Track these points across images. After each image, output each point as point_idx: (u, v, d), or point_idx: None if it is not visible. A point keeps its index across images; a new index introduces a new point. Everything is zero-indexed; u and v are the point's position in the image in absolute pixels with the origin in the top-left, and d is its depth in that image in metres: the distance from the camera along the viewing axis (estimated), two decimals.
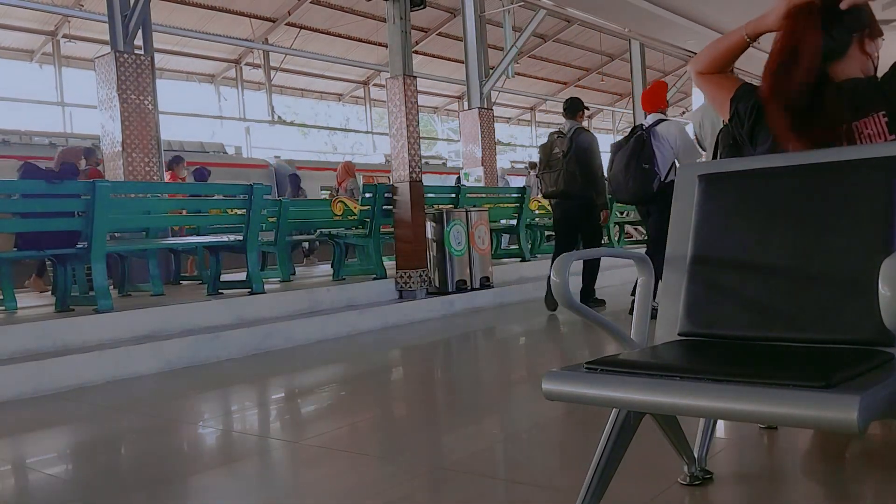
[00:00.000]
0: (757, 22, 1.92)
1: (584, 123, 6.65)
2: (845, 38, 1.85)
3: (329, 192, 12.78)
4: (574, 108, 6.55)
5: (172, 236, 7.58)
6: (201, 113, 19.98)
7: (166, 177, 9.43)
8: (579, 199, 6.30)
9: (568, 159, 6.20)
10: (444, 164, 21.32)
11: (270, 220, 7.29)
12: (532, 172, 15.08)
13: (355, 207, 7.62)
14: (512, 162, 24.26)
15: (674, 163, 5.37)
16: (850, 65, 1.86)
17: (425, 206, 7.19)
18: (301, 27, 18.14)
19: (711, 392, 1.34)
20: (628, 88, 16.68)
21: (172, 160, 9.87)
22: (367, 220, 7.24)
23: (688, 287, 1.86)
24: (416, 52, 18.75)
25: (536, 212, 9.99)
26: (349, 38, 18.93)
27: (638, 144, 5.31)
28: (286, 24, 17.91)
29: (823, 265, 1.69)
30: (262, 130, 21.90)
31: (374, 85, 22.95)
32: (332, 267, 7.48)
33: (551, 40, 21.48)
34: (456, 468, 2.50)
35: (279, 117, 21.62)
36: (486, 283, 7.50)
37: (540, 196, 10.93)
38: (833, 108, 1.81)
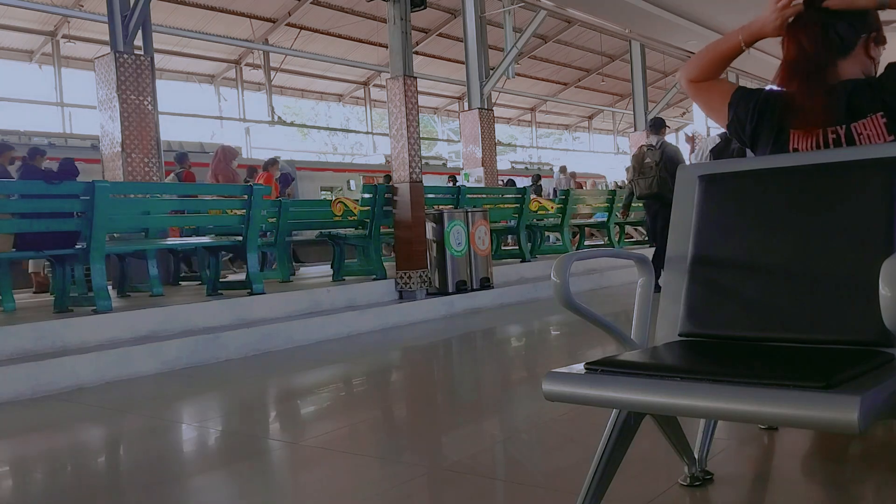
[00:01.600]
0: (752, 28, 1.91)
1: (666, 137, 8.02)
2: (851, 37, 1.84)
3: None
4: (658, 125, 7.87)
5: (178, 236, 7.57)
6: (201, 113, 19.99)
7: (261, 179, 9.46)
8: (670, 200, 7.47)
9: (660, 167, 7.36)
10: (444, 164, 21.34)
11: (270, 220, 7.29)
12: (562, 176, 15.60)
13: (355, 208, 7.61)
14: (512, 162, 24.30)
15: None
16: (852, 65, 1.86)
17: (425, 207, 7.19)
18: (301, 28, 18.15)
19: (712, 393, 1.34)
20: (628, 89, 16.68)
21: (269, 162, 10.07)
22: (367, 220, 7.23)
23: (688, 287, 1.85)
24: (417, 53, 18.76)
25: (536, 212, 9.98)
26: (349, 38, 18.93)
27: None
28: (286, 25, 17.91)
29: (824, 266, 1.69)
30: (262, 131, 21.93)
31: (375, 85, 22.96)
32: (331, 267, 7.48)
33: (552, 41, 21.49)
34: (456, 469, 2.50)
35: (279, 118, 21.62)
36: (486, 284, 7.50)
37: (541, 199, 10.97)
38: (826, 109, 1.81)
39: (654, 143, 7.66)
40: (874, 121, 1.78)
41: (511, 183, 14.08)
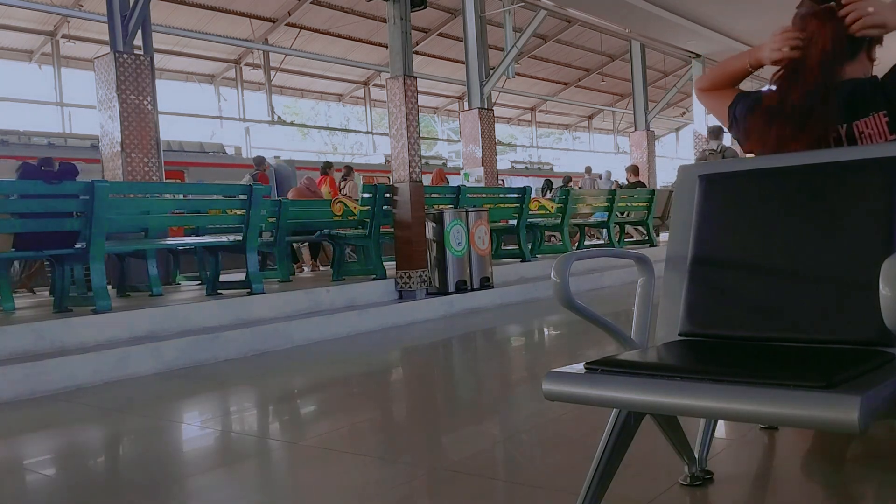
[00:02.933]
0: (756, 53, 2.01)
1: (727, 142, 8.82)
2: (859, 42, 1.88)
3: None
4: (717, 132, 8.65)
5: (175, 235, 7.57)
6: (201, 113, 19.98)
7: (325, 184, 10.17)
8: None
9: None
10: (445, 164, 21.33)
11: (270, 220, 7.28)
12: (587, 176, 15.83)
13: (355, 208, 7.61)
14: (512, 162, 24.30)
15: None
16: (856, 67, 1.89)
17: (425, 207, 7.18)
18: (301, 27, 18.14)
19: (712, 392, 1.34)
20: (628, 89, 16.67)
21: (325, 165, 11.23)
22: (367, 220, 7.23)
23: (688, 287, 1.85)
24: (417, 53, 18.75)
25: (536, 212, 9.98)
26: (349, 38, 18.93)
27: None
28: (286, 25, 17.91)
29: (824, 265, 1.69)
30: (262, 131, 21.93)
31: (375, 85, 22.96)
32: (331, 267, 7.47)
33: (552, 41, 21.49)
34: (456, 469, 2.49)
35: (279, 118, 21.61)
36: (486, 284, 7.49)
37: (542, 199, 10.97)
38: (830, 110, 1.82)
39: (715, 148, 8.41)
40: (876, 119, 1.79)
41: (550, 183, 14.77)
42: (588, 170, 16.77)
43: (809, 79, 1.83)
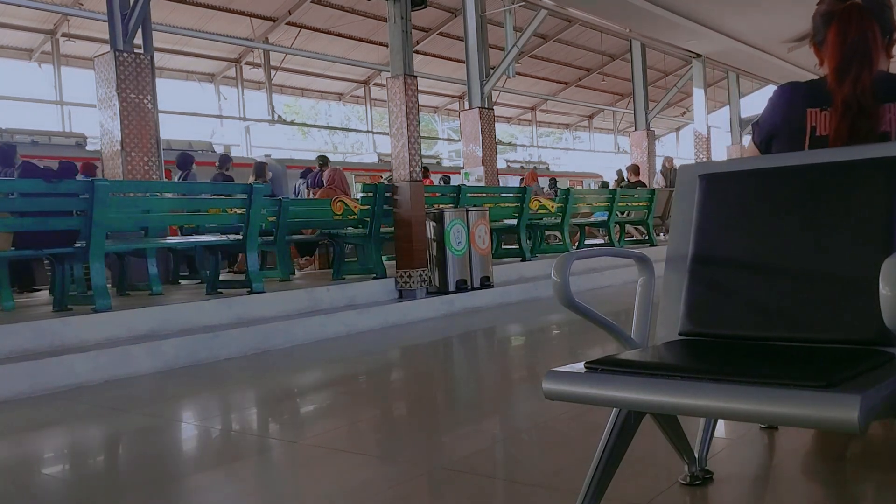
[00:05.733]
0: None
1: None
2: (884, 37, 1.94)
3: None
4: None
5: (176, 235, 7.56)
6: (201, 112, 19.98)
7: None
8: None
9: None
10: (439, 162, 21.29)
11: (270, 219, 7.28)
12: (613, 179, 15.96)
13: (355, 207, 7.61)
14: (508, 161, 24.30)
15: None
16: (882, 62, 1.94)
17: (425, 206, 7.18)
18: (301, 26, 18.14)
19: (712, 392, 1.34)
20: (629, 88, 16.67)
21: (425, 170, 11.18)
22: (367, 219, 7.23)
23: (689, 287, 1.85)
24: (417, 52, 18.74)
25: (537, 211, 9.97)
26: (350, 37, 18.92)
27: None
28: (286, 24, 17.90)
29: (824, 265, 1.69)
30: (262, 130, 21.92)
31: (375, 84, 22.95)
32: (331, 266, 7.47)
33: (552, 40, 21.48)
34: (456, 468, 2.49)
35: (279, 117, 21.61)
36: (486, 283, 7.50)
37: (542, 198, 10.96)
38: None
39: None
40: (890, 108, 1.83)
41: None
42: (619, 173, 16.79)
43: (873, 70, 1.86)
